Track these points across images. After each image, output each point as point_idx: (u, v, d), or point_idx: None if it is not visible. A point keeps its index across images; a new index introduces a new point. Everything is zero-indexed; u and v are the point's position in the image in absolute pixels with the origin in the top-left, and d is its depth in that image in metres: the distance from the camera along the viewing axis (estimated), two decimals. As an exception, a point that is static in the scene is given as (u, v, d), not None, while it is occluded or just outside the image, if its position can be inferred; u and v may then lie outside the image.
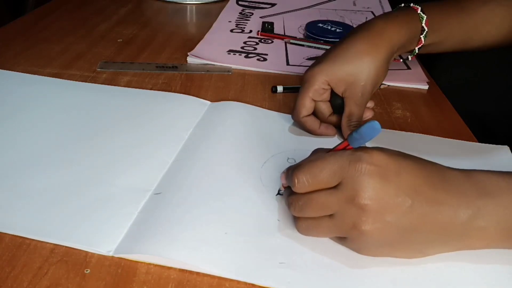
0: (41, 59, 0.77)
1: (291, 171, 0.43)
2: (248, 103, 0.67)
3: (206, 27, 0.93)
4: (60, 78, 0.72)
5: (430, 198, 0.40)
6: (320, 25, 0.92)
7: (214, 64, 0.79)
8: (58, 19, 0.95)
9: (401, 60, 0.72)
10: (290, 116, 0.63)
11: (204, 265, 0.41)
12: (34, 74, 0.72)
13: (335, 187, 0.41)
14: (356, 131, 0.40)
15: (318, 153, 0.44)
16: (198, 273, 0.41)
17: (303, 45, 0.88)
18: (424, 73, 0.78)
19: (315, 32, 0.90)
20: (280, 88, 0.72)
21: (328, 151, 0.44)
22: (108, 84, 0.71)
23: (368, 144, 0.42)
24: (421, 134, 0.63)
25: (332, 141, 0.61)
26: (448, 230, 0.41)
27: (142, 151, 0.56)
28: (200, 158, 0.54)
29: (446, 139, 0.62)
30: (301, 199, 0.42)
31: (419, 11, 0.63)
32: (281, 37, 0.90)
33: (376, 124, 0.39)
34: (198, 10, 1.08)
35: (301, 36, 0.92)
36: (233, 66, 0.79)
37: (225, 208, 0.47)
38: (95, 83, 0.71)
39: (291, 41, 0.89)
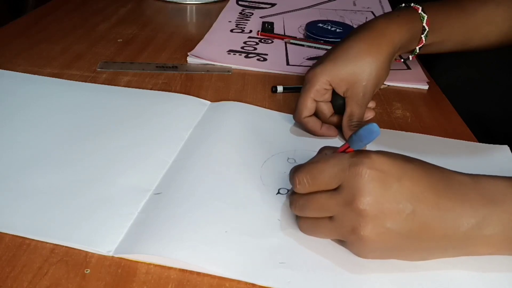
0: (41, 59, 0.77)
1: (293, 171, 0.43)
2: (248, 103, 0.66)
3: (206, 27, 0.93)
4: (60, 78, 0.72)
5: (433, 205, 0.39)
6: (320, 25, 0.92)
7: (214, 64, 0.79)
8: (58, 19, 0.95)
9: (402, 60, 0.72)
10: (290, 116, 0.63)
11: (204, 264, 0.41)
12: (34, 74, 0.72)
13: (335, 189, 0.41)
14: (355, 134, 0.40)
15: (323, 152, 0.44)
16: (198, 273, 0.41)
17: (303, 45, 0.87)
18: (424, 73, 0.78)
19: (315, 32, 0.90)
20: (280, 88, 0.72)
21: (334, 149, 0.43)
22: (108, 84, 0.71)
23: (370, 145, 0.42)
24: (421, 134, 0.63)
25: (333, 142, 0.60)
26: (450, 238, 0.40)
27: (142, 151, 0.56)
28: (200, 157, 0.54)
29: (446, 139, 0.62)
30: (302, 198, 0.42)
31: (420, 11, 0.63)
32: (281, 37, 0.90)
33: (375, 126, 0.39)
34: (198, 10, 1.08)
35: (301, 36, 0.92)
36: (233, 66, 0.79)
37: (225, 207, 0.47)
38: (95, 83, 0.71)
39: (291, 41, 0.88)
